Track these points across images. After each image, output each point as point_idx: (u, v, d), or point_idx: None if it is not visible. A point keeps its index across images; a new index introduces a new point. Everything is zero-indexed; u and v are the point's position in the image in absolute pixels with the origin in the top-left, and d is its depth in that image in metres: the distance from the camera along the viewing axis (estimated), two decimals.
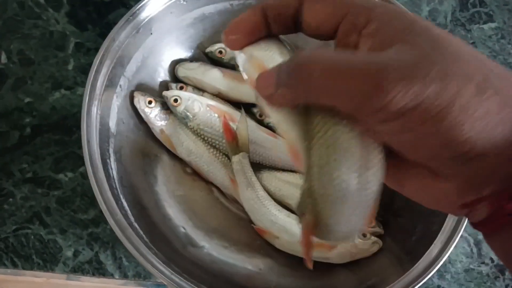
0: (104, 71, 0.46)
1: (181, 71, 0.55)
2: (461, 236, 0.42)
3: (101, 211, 0.41)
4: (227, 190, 0.53)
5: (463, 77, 0.18)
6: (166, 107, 0.53)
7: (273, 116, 0.23)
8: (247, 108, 0.54)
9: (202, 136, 0.53)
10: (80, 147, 0.43)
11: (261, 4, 0.23)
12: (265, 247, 0.51)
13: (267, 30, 0.24)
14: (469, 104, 0.18)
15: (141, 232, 0.43)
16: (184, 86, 0.55)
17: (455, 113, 0.18)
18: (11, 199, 0.52)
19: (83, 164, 0.45)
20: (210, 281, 0.44)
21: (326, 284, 0.48)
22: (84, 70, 0.57)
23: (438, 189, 0.21)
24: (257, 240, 0.51)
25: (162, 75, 0.55)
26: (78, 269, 0.51)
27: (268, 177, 0.52)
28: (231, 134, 0.51)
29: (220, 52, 0.55)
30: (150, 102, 0.51)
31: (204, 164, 0.52)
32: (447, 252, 0.41)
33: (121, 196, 0.45)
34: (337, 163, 0.20)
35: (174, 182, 0.52)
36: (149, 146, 0.53)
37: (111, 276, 0.51)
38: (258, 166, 0.52)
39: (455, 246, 0.42)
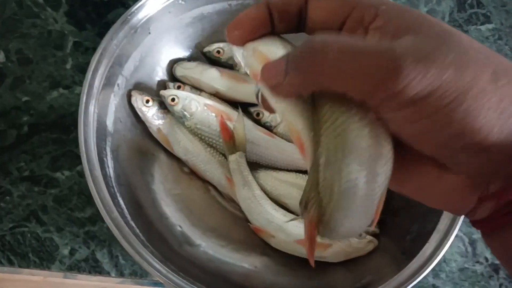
0: (102, 70, 0.47)
1: (179, 71, 0.55)
2: (456, 235, 0.42)
3: (97, 210, 0.41)
4: (224, 189, 0.53)
5: (479, 64, 0.18)
6: (163, 106, 0.53)
7: (278, 107, 0.23)
8: (244, 107, 0.54)
9: (199, 135, 0.53)
10: (77, 146, 0.43)
11: (266, 0, 0.23)
12: (262, 246, 0.51)
13: (270, 27, 0.24)
14: (485, 90, 0.18)
15: (138, 231, 0.43)
16: (182, 85, 0.55)
17: (471, 100, 0.17)
18: (8, 197, 0.53)
19: (80, 162, 0.45)
20: (206, 279, 0.44)
21: (322, 283, 0.48)
22: (83, 69, 0.58)
23: (444, 184, 0.21)
24: (253, 239, 0.51)
25: (160, 74, 0.55)
26: (74, 267, 0.51)
27: (265, 176, 0.52)
28: (228, 134, 0.51)
29: (218, 51, 0.55)
30: (147, 101, 0.51)
31: (201, 163, 0.52)
32: (441, 251, 0.42)
33: (118, 195, 0.45)
34: (346, 153, 0.19)
35: (171, 181, 0.53)
36: (146, 145, 0.53)
37: (108, 274, 0.51)
38: (254, 166, 0.53)
39: (450, 245, 0.42)
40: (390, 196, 0.23)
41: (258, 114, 0.55)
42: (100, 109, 0.46)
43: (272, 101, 0.23)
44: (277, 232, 0.49)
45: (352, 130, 0.19)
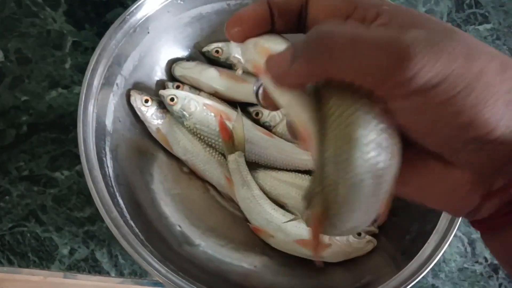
0: (101, 70, 0.47)
1: (178, 70, 0.55)
2: (455, 235, 0.42)
3: (97, 209, 0.41)
4: (223, 189, 0.53)
5: (486, 56, 0.18)
6: (162, 106, 0.53)
7: (283, 98, 0.22)
8: (243, 107, 0.54)
9: (199, 135, 0.53)
10: (76, 145, 0.43)
11: None
12: (261, 246, 0.51)
13: (270, 25, 0.23)
14: (493, 81, 0.18)
15: (137, 230, 0.44)
16: (181, 85, 0.55)
17: (480, 90, 0.17)
18: (7, 197, 0.53)
19: (79, 162, 0.45)
20: (206, 279, 0.44)
21: (321, 282, 0.48)
22: (81, 69, 0.58)
23: (448, 181, 0.21)
24: (253, 239, 0.51)
25: (159, 74, 0.55)
26: (74, 267, 0.51)
27: (264, 176, 0.52)
28: (227, 133, 0.51)
29: (217, 51, 0.55)
30: (146, 101, 0.51)
31: (200, 163, 0.52)
32: (441, 251, 0.42)
33: (117, 194, 0.45)
34: (353, 145, 0.19)
35: (170, 181, 0.53)
36: (145, 144, 0.53)
37: (107, 274, 0.51)
38: (253, 165, 0.53)
39: (449, 245, 0.42)
40: None
41: (257, 114, 0.55)
42: (99, 109, 0.46)
43: (276, 94, 0.22)
44: (276, 232, 0.49)
45: (359, 122, 0.19)
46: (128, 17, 0.48)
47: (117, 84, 0.49)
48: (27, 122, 0.56)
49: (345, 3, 0.22)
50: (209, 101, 0.53)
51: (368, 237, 0.48)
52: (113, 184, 0.45)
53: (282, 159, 0.53)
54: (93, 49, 0.47)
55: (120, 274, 0.51)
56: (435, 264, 0.42)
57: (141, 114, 0.52)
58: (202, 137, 0.53)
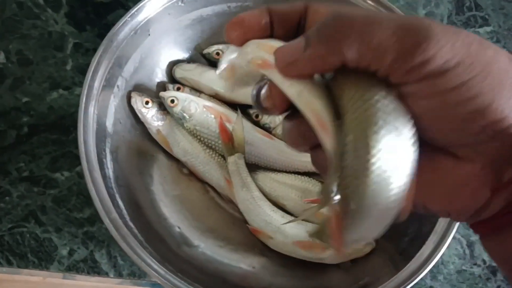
0: (101, 71, 0.47)
1: (178, 72, 0.55)
2: (454, 237, 0.42)
3: (96, 210, 0.42)
4: (223, 191, 0.53)
5: (495, 48, 0.19)
6: (163, 107, 0.53)
7: (292, 89, 0.22)
8: (243, 109, 0.55)
9: (198, 137, 0.53)
10: (77, 146, 0.43)
11: (268, 5, 0.23)
12: (260, 247, 0.51)
13: (270, 31, 0.24)
14: (506, 69, 0.18)
15: (136, 231, 0.44)
16: (181, 87, 0.55)
17: (495, 75, 0.18)
18: (7, 198, 0.53)
19: (79, 163, 0.45)
20: (204, 280, 0.44)
21: (320, 284, 0.48)
22: (82, 70, 0.58)
23: (459, 175, 0.20)
24: (252, 240, 0.51)
25: (160, 76, 0.56)
26: (73, 268, 0.51)
27: (263, 177, 0.52)
28: (227, 135, 0.51)
29: (218, 53, 0.56)
30: (147, 103, 0.51)
31: (200, 164, 0.52)
32: (439, 253, 0.42)
33: (117, 196, 0.45)
34: (373, 131, 0.18)
35: (170, 182, 0.53)
36: (145, 146, 0.53)
37: (106, 275, 0.51)
38: (253, 167, 0.53)
39: (448, 247, 0.42)
40: None
41: (257, 116, 0.55)
42: (100, 110, 0.46)
43: (285, 86, 0.22)
44: (275, 234, 0.49)
45: (381, 107, 0.19)
46: (129, 19, 0.48)
47: (117, 86, 0.50)
48: (28, 123, 0.56)
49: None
50: (209, 103, 0.53)
51: None
52: (113, 185, 0.45)
53: (282, 161, 0.53)
54: (94, 50, 0.47)
55: (119, 275, 0.51)
56: (433, 266, 0.42)
57: (142, 115, 0.52)
58: (202, 138, 0.53)
